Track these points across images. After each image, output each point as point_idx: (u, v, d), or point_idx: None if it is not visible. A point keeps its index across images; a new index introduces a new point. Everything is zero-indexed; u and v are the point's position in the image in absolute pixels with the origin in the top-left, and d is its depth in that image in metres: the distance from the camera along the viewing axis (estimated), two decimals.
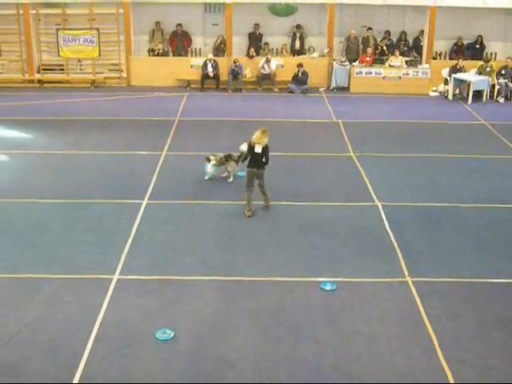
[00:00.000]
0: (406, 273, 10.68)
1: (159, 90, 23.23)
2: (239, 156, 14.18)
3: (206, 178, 14.60)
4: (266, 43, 25.28)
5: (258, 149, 12.54)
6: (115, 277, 10.39)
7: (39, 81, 24.34)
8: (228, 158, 14.53)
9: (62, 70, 24.57)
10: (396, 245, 11.62)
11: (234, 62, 23.59)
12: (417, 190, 14.33)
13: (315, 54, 24.81)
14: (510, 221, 12.89)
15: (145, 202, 13.36)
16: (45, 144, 17.22)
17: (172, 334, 8.92)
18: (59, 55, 24.11)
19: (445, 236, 12.10)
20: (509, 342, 8.88)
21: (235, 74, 23.56)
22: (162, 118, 19.76)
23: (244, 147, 13.71)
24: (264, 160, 12.64)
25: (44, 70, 24.56)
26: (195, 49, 25.94)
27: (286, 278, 10.49)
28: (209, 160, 14.53)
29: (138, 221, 12.47)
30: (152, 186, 14.27)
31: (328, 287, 10.18)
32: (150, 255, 11.19)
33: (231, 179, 14.52)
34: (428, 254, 11.36)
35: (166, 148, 16.80)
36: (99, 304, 9.61)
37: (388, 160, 16.30)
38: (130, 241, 11.65)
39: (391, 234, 12.05)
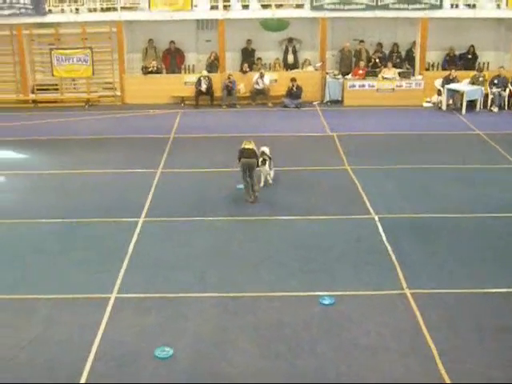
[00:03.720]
0: (404, 284, 10.66)
1: (154, 108, 23.25)
2: (263, 159, 14.78)
3: (271, 179, 15.22)
4: (259, 58, 25.31)
5: (248, 146, 14.01)
6: (113, 295, 10.37)
7: (33, 101, 24.36)
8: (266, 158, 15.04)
9: (57, 89, 24.60)
10: (393, 257, 11.61)
11: (229, 78, 23.60)
12: (413, 202, 14.33)
13: (311, 68, 24.85)
14: (508, 230, 12.89)
15: (141, 220, 13.35)
16: (40, 164, 17.23)
17: (171, 352, 8.90)
18: (53, 75, 24.16)
19: (442, 246, 12.08)
20: (508, 352, 8.87)
21: (229, 89, 23.58)
22: (156, 135, 19.80)
23: (266, 149, 14.94)
24: (256, 157, 14.02)
25: (38, 89, 24.58)
26: (188, 65, 25.94)
27: (283, 292, 10.47)
28: (264, 161, 14.82)
29: (134, 239, 12.46)
30: (148, 203, 14.25)
31: (326, 301, 10.17)
32: (148, 273, 11.17)
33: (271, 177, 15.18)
34: (426, 265, 11.33)
35: (161, 165, 16.82)
36: (97, 323, 9.57)
37: (384, 172, 16.30)
38: (127, 259, 11.64)
39: (388, 246, 12.04)
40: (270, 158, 15.16)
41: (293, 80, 23.40)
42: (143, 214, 13.65)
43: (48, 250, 12.09)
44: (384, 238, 12.38)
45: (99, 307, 10.01)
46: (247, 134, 18.07)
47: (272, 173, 15.36)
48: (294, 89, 23.41)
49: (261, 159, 14.70)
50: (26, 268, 11.37)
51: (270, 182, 15.28)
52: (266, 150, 15.16)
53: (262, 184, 14.96)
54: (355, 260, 11.58)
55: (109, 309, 10.00)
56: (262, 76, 23.76)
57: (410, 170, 16.45)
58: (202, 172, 16.40)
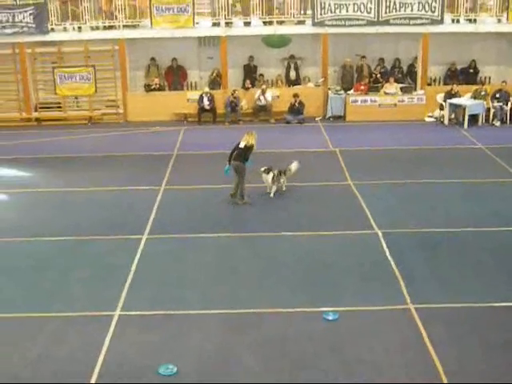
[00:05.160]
0: (409, 300, 10.61)
1: (156, 125, 23.26)
2: (267, 168, 15.38)
3: (272, 193, 15.52)
4: (261, 75, 25.37)
5: (241, 144, 14.69)
6: (116, 313, 10.35)
7: (37, 119, 24.39)
8: (281, 173, 15.59)
9: (60, 107, 24.68)
10: (397, 272, 11.58)
11: (232, 94, 23.61)
12: (417, 217, 14.30)
13: (311, 84, 24.88)
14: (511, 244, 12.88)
15: (144, 237, 13.36)
16: (44, 182, 17.25)
17: (175, 370, 8.87)
18: (56, 93, 24.25)
19: (446, 261, 12.07)
20: None
21: (234, 105, 23.57)
22: (159, 152, 19.79)
23: (295, 165, 15.72)
24: (245, 156, 14.62)
25: (41, 108, 24.69)
26: (191, 82, 26.04)
27: (287, 309, 10.43)
28: (269, 171, 15.32)
29: (138, 256, 12.46)
30: (151, 220, 14.27)
31: (330, 317, 10.14)
32: (151, 290, 11.17)
33: (273, 190, 15.45)
34: (430, 280, 11.30)
35: (164, 182, 16.83)
36: (101, 341, 9.55)
37: (386, 187, 16.30)
38: (130, 276, 11.64)
39: (392, 262, 12.01)
40: (280, 173, 15.44)
41: (295, 96, 23.47)
42: (147, 231, 13.66)
43: (52, 267, 12.07)
44: (387, 253, 12.37)
45: (103, 325, 9.99)
46: None
47: (274, 188, 15.47)
48: (297, 104, 23.47)
49: (264, 168, 15.21)
50: (30, 286, 11.34)
51: (271, 195, 15.46)
52: (292, 165, 15.80)
53: (272, 194, 15.48)
54: (359, 275, 11.54)
55: (112, 326, 9.97)
56: (264, 92, 23.79)
57: (414, 185, 16.47)
58: (205, 189, 16.40)
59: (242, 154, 14.76)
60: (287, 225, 13.93)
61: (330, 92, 24.33)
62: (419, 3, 23.47)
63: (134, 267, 11.99)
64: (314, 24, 23.84)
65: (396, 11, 23.53)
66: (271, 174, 15.37)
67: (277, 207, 14.93)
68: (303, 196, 15.82)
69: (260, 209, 15.03)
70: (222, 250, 12.78)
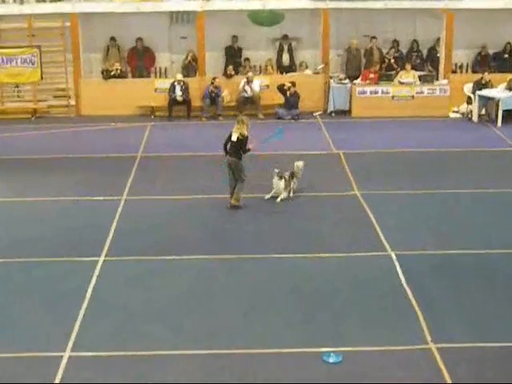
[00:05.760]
0: (429, 338, 10.53)
1: (117, 120, 23.17)
2: (280, 173, 15.92)
3: (280, 199, 15.90)
4: (247, 59, 25.38)
5: (234, 137, 15.01)
6: (66, 354, 10.20)
7: None
8: (293, 175, 16.11)
9: None
10: (415, 303, 11.51)
11: (212, 83, 23.49)
12: (437, 235, 14.32)
13: (308, 72, 24.85)
14: None
15: (101, 259, 13.27)
16: None
17: None
18: None
19: (473, 290, 12.04)
20: None
21: (213, 97, 23.49)
22: (120, 154, 19.79)
23: (301, 164, 16.13)
24: (241, 150, 15.04)
25: None
26: (160, 68, 25.98)
27: (279, 349, 10.31)
28: (281, 177, 15.76)
29: (93, 282, 12.34)
30: (110, 239, 14.18)
31: (332, 359, 10.05)
32: (109, 324, 11.04)
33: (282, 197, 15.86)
34: (454, 314, 11.26)
35: (126, 192, 16.79)
36: None
37: (401, 198, 16.31)
38: (84, 307, 11.49)
39: (408, 290, 11.97)
40: (292, 176, 16.01)
41: (290, 83, 23.25)
42: (104, 252, 13.55)
43: None
44: (403, 280, 12.34)
45: (49, 368, 9.83)
46: None
47: (284, 194, 15.98)
48: (290, 95, 23.29)
49: (276, 170, 15.69)
50: None
51: (278, 199, 15.95)
52: (298, 164, 16.22)
53: (268, 196, 15.95)
54: (367, 307, 11.47)
55: (61, 371, 9.80)
56: (249, 81, 23.68)
57: (434, 196, 16.45)
58: (177, 200, 16.29)
59: (237, 149, 15.13)
60: (279, 244, 13.90)
61: (332, 81, 24.40)
62: None
63: (88, 296, 11.84)
64: None
65: None
66: (283, 180, 15.80)
67: (265, 223, 14.94)
68: (299, 209, 15.77)
69: (247, 224, 15.01)
70: (198, 276, 12.66)
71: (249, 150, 15.27)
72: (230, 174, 15.27)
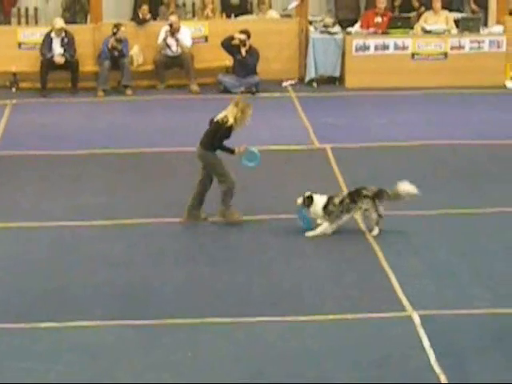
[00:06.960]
0: None
1: None
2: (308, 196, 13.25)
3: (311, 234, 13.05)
4: None
5: (216, 118, 13.46)
6: None
7: None
8: (356, 196, 12.94)
9: None
10: None
11: (114, 34, 19.42)
12: (483, 283, 11.73)
13: (274, 13, 20.61)
14: None
15: None
16: None
17: None
18: None
19: None
20: None
21: (116, 57, 19.43)
22: None
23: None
24: (214, 140, 13.30)
25: None
26: (26, 9, 21.94)
27: None
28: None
29: None
30: None
31: None
32: None
33: (376, 231, 12.71)
34: None
35: None
36: None
37: (423, 222, 13.29)
38: None
39: (438, 368, 9.47)
40: (364, 197, 12.81)
41: (244, 34, 19.03)
42: None
43: None
44: (430, 354, 9.84)
45: None
46: (148, 148, 15.96)
47: (333, 226, 12.82)
48: (244, 53, 19.10)
49: (306, 196, 13.00)
50: None
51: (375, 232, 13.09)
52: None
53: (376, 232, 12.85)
54: None
55: None
56: (176, 30, 19.61)
57: (476, 218, 13.54)
58: (58, 227, 13.28)
59: (210, 136, 13.31)
60: (263, 304, 11.11)
61: (312, 29, 20.23)
62: None
63: None
64: None
65: None
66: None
67: (239, 271, 11.82)
68: (269, 241, 12.71)
69: (193, 265, 11.84)
70: (98, 355, 9.86)
71: (231, 151, 13.34)
72: (200, 175, 13.41)
